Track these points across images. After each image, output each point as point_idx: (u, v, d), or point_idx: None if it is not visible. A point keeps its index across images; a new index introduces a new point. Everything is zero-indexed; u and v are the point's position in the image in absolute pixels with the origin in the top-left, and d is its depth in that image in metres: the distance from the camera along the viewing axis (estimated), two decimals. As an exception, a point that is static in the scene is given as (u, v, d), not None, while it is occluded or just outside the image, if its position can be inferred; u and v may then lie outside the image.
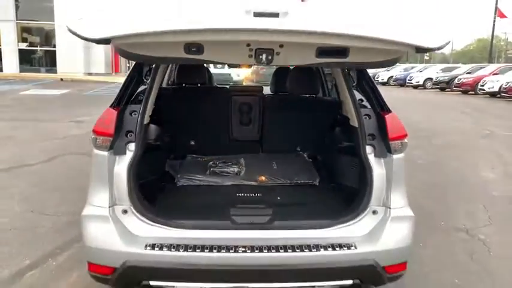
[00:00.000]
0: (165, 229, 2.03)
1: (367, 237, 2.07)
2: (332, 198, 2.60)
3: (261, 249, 1.95)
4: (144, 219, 2.05)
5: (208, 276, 1.97)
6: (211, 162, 3.08)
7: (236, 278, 1.97)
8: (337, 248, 2.00)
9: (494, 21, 31.43)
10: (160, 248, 1.95)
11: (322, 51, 1.88)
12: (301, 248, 1.98)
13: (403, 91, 25.32)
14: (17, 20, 21.33)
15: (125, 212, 2.06)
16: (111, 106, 2.21)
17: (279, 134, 3.28)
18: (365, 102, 2.45)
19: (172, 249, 1.95)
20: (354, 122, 2.36)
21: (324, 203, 2.54)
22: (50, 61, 21.90)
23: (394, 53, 1.89)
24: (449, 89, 24.79)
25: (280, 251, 1.96)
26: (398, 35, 1.74)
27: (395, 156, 2.15)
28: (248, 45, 1.85)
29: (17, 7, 21.23)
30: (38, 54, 22.24)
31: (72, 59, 21.11)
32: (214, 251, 1.94)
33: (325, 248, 1.99)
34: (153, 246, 1.96)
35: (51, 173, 5.21)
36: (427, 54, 72.43)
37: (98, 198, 2.06)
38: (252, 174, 2.92)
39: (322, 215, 2.18)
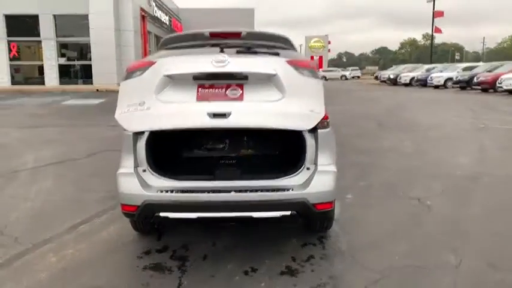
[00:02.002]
0: (169, 180, 3.14)
1: (302, 185, 3.11)
2: (284, 162, 3.60)
3: (232, 191, 3.04)
4: (156, 175, 3.16)
5: (196, 208, 3.06)
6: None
7: (214, 208, 3.05)
8: (281, 191, 3.06)
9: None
10: (166, 192, 3.07)
11: None
12: (258, 190, 3.05)
13: (423, 91, 25.80)
14: (56, 37, 23.26)
15: (144, 171, 3.18)
16: None
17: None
18: None
19: (173, 192, 3.06)
20: None
21: (277, 165, 3.60)
22: (86, 73, 23.72)
23: None
24: (469, 88, 25.13)
25: (246, 192, 3.03)
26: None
27: (320, 131, 3.17)
28: None
29: (56, 26, 23.15)
30: (75, 68, 24.14)
31: (106, 71, 22.86)
32: (200, 193, 3.04)
33: (274, 190, 3.06)
34: (161, 191, 3.08)
35: (92, 164, 6.51)
36: (458, 53, 72.63)
37: (126, 163, 3.19)
38: (234, 150, 4.11)
39: (274, 172, 3.25)
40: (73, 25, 23.38)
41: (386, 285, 2.96)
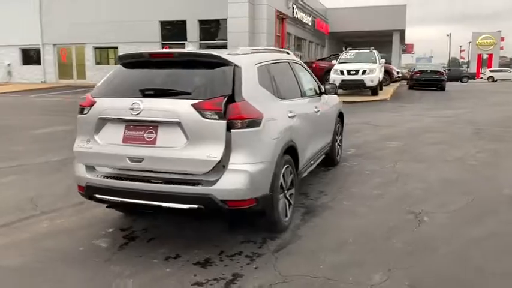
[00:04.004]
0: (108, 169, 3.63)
1: (211, 181, 3.25)
2: None
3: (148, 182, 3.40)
4: None
5: (119, 194, 3.47)
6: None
7: (133, 195, 3.40)
8: (189, 184, 3.28)
9: None
10: (102, 177, 3.56)
11: None
12: (170, 182, 3.35)
13: None
14: (199, 40, 25.89)
15: None
16: None
17: None
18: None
19: (105, 178, 3.54)
20: None
21: None
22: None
23: None
24: None
25: (159, 183, 3.37)
26: None
27: (234, 131, 3.25)
28: None
29: (200, 30, 25.73)
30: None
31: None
32: (123, 180, 3.47)
33: (183, 183, 3.31)
34: (98, 176, 3.57)
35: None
36: None
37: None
38: None
39: None
40: (214, 29, 25.71)
41: (276, 290, 2.96)
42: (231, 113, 3.26)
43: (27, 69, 28.79)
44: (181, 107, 3.27)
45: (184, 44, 25.63)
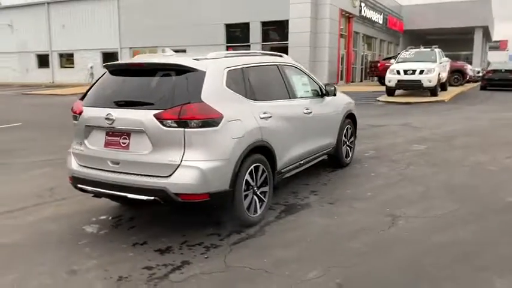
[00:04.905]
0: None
1: (166, 176, 3.57)
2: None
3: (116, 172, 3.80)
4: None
5: (93, 184, 3.91)
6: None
7: (103, 186, 3.84)
8: (147, 177, 3.63)
9: None
10: (83, 167, 4.03)
11: None
12: (133, 174, 3.71)
13: None
14: (262, 42, 26.37)
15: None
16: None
17: None
18: None
19: (88, 168, 3.99)
20: None
21: None
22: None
23: None
24: None
25: (124, 174, 3.75)
26: None
27: (188, 130, 3.53)
28: None
29: (262, 32, 26.20)
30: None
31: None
32: (95, 170, 3.91)
33: (142, 176, 3.66)
34: (81, 166, 4.04)
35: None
36: None
37: (72, 143, 4.25)
38: None
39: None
40: (276, 30, 26.02)
41: None
42: (185, 113, 3.55)
43: (107, 71, 31.32)
44: (145, 117, 3.66)
45: (248, 45, 26.39)
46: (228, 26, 27.13)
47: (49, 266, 3.45)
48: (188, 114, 3.56)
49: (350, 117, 6.39)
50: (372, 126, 10.20)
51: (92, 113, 3.99)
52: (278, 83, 4.87)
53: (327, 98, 5.74)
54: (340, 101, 6.16)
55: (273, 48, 27.08)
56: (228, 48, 27.21)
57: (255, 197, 4.16)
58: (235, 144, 3.82)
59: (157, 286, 3.10)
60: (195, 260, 3.48)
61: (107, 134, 3.89)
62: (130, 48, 30.46)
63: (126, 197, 3.80)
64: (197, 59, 3.95)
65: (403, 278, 3.15)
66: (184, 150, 3.59)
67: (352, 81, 30.31)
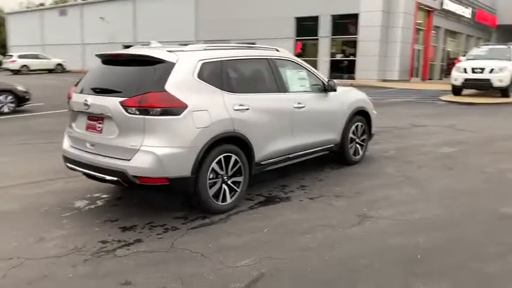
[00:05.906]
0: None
1: (127, 159, 3.85)
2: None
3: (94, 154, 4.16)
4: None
5: (77, 164, 4.31)
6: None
7: (83, 166, 4.23)
8: (113, 159, 3.94)
9: None
10: (73, 148, 4.45)
11: None
12: (106, 157, 4.04)
13: None
14: (331, 35, 25.94)
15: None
16: None
17: None
18: None
19: (75, 149, 4.40)
20: None
21: None
22: (350, 69, 25.51)
23: None
24: None
25: (99, 156, 4.10)
26: None
27: (147, 117, 3.77)
28: None
29: (332, 25, 25.76)
30: (342, 64, 26.29)
31: (368, 67, 24.01)
32: (78, 150, 4.31)
33: (111, 158, 3.98)
34: (71, 146, 4.47)
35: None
36: None
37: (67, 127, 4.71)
38: None
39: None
40: (345, 24, 25.41)
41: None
42: (146, 101, 3.81)
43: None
44: (113, 104, 3.97)
45: (317, 39, 26.14)
46: (298, 20, 27.04)
47: (24, 232, 3.91)
48: (149, 102, 3.81)
49: (362, 114, 6.22)
50: (413, 126, 9.74)
51: (76, 99, 4.41)
52: (266, 77, 4.93)
53: (331, 94, 5.67)
54: (348, 97, 6.04)
55: (342, 42, 26.63)
56: (296, 42, 27.21)
57: (225, 186, 4.30)
58: (199, 133, 3.99)
59: (100, 258, 3.41)
60: (147, 240, 3.73)
61: (88, 118, 4.28)
62: (205, 41, 31.63)
63: (95, 176, 4.16)
64: (171, 51, 4.17)
65: (323, 276, 3.12)
66: (144, 136, 3.84)
67: (430, 79, 28.65)
